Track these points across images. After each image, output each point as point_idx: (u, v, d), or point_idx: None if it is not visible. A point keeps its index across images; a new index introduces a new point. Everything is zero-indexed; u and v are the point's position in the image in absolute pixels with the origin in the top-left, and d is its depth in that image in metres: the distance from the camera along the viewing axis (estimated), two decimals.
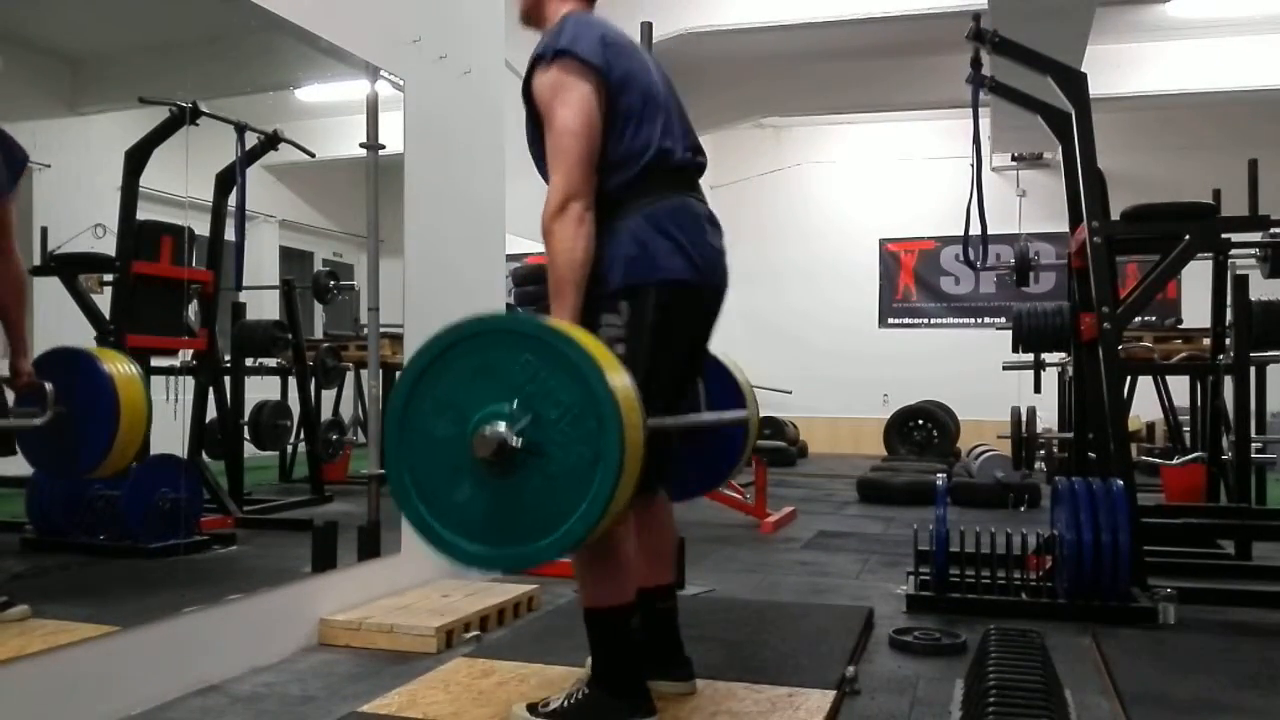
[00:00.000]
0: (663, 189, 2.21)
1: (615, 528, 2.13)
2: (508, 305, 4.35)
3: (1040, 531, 3.86)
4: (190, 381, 4.22)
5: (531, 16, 2.39)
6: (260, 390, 5.36)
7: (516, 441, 1.77)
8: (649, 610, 2.40)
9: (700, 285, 2.23)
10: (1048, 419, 8.43)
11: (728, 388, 2.77)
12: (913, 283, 12.30)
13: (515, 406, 1.78)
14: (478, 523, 1.84)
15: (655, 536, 2.42)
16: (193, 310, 4.24)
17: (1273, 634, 3.35)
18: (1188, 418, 7.03)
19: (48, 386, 2.81)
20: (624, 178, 2.17)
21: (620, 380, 1.82)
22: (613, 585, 2.16)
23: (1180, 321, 8.27)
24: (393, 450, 1.89)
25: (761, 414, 10.31)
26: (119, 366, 2.98)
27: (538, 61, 2.17)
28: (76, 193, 3.92)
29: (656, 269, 2.14)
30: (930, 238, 11.99)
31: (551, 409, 1.78)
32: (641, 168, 2.18)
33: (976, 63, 4.06)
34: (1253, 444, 5.02)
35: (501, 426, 1.77)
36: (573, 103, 2.11)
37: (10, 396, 2.87)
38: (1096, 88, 3.98)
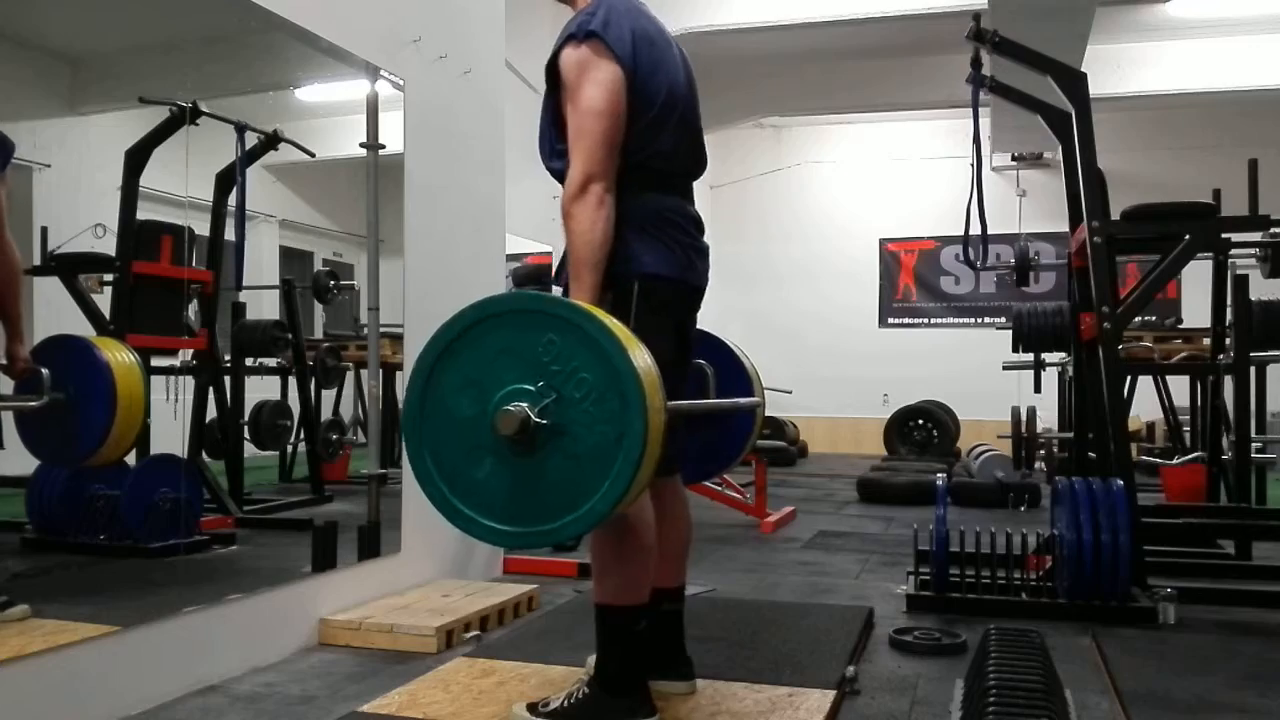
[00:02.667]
0: (657, 188, 2.23)
1: (642, 529, 2.13)
2: None
3: (1040, 531, 3.87)
4: (190, 381, 4.22)
5: None
6: (260, 390, 5.35)
7: (540, 419, 1.77)
8: (655, 611, 2.40)
9: (679, 281, 2.26)
10: (1048, 419, 8.43)
11: (737, 374, 2.80)
12: (913, 282, 12.30)
13: (539, 385, 1.79)
14: (500, 501, 1.84)
15: (671, 538, 2.41)
16: (193, 310, 4.24)
17: (1273, 634, 3.35)
18: (1188, 417, 7.04)
19: (44, 372, 2.82)
20: (623, 170, 2.17)
21: (643, 359, 1.82)
22: (630, 584, 2.16)
23: (1180, 321, 8.27)
24: (412, 429, 1.89)
25: None
26: (116, 354, 2.98)
27: (568, 40, 2.16)
28: (76, 193, 3.92)
29: (640, 264, 2.16)
30: (930, 237, 11.99)
31: (575, 388, 1.78)
32: (640, 164, 2.19)
33: (976, 62, 4.06)
34: (1253, 444, 5.02)
35: (525, 405, 1.77)
36: (601, 82, 2.11)
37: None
38: (1096, 88, 3.98)
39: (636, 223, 2.17)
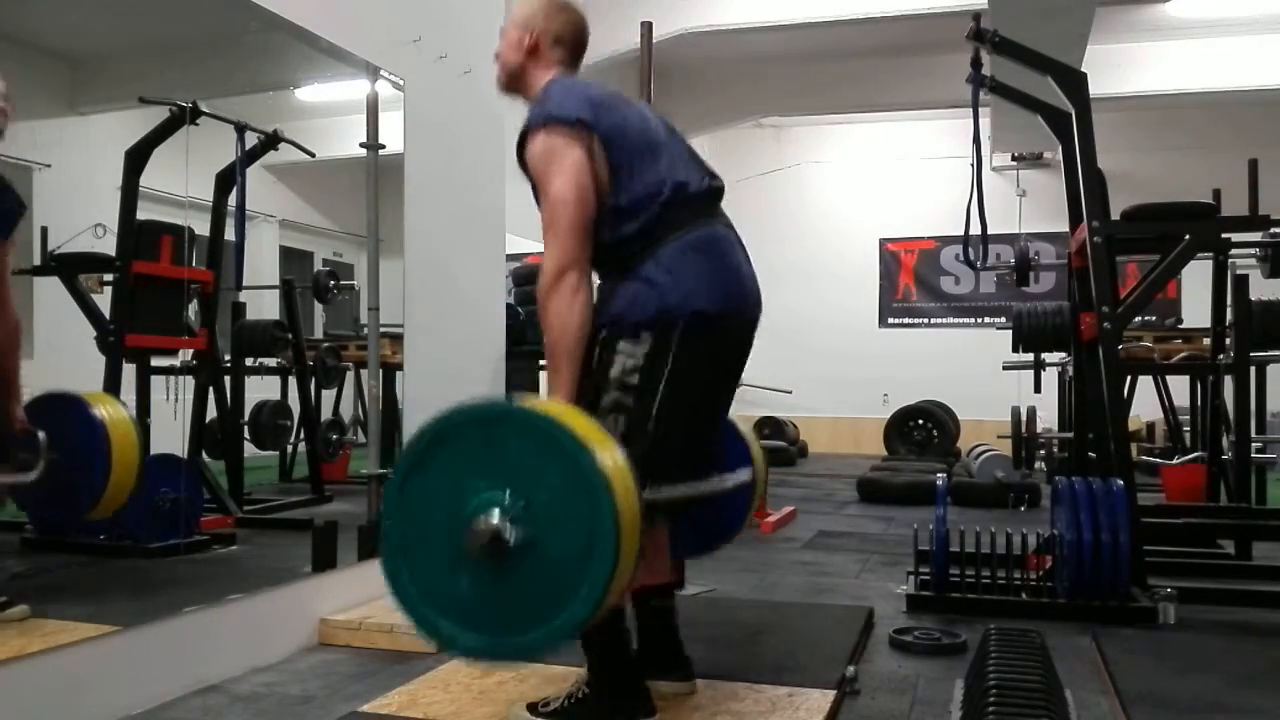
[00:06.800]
0: (687, 221, 2.19)
1: None
2: (508, 305, 4.34)
3: (1040, 531, 3.86)
4: (190, 381, 4.22)
5: (513, 86, 2.39)
6: (260, 390, 5.36)
7: (510, 531, 1.74)
8: (645, 609, 2.39)
9: (730, 315, 2.21)
10: (1048, 419, 8.43)
11: (732, 443, 2.69)
12: (913, 282, 12.30)
13: (508, 494, 1.77)
14: (477, 613, 1.81)
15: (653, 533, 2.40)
16: (193, 310, 4.24)
17: (1273, 633, 3.35)
18: (1188, 417, 7.04)
19: (40, 435, 2.79)
20: (645, 219, 2.15)
21: (612, 457, 1.80)
22: None
23: (1180, 321, 8.28)
24: (389, 545, 1.87)
25: (761, 414, 10.25)
26: (109, 410, 2.98)
27: (527, 132, 2.18)
28: (76, 192, 3.92)
29: (685, 301, 2.12)
30: (930, 237, 11.99)
31: (543, 493, 1.76)
32: (661, 205, 2.16)
33: (976, 62, 4.06)
34: (1253, 444, 5.02)
35: (495, 516, 1.75)
36: (564, 170, 2.10)
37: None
38: (1096, 87, 3.98)
39: (679, 256, 2.13)
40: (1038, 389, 7.69)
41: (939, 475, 5.30)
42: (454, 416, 1.87)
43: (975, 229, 4.13)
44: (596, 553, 1.73)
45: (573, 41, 2.37)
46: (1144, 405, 7.78)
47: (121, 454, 2.93)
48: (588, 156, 2.12)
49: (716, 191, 2.33)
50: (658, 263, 2.13)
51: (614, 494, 1.74)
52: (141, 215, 3.76)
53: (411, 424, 3.60)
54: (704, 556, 2.83)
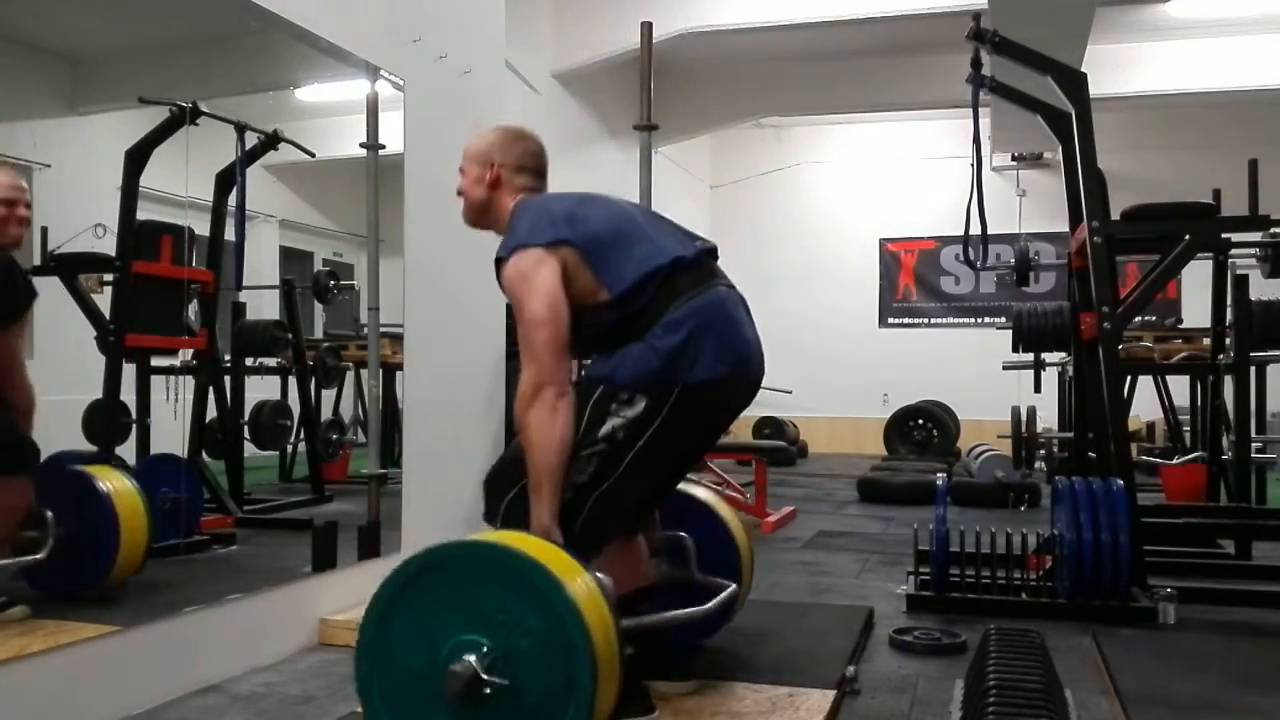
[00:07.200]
0: (688, 287, 2.21)
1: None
2: (508, 305, 4.34)
3: (1040, 531, 3.87)
4: (190, 381, 4.22)
5: (481, 220, 2.44)
6: (260, 390, 5.36)
7: (487, 677, 1.73)
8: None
9: (731, 380, 2.22)
10: (1048, 419, 8.44)
11: (724, 554, 2.70)
12: (913, 282, 12.30)
13: (485, 637, 1.75)
14: None
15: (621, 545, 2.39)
16: (193, 310, 4.24)
17: (1273, 634, 3.35)
18: (1188, 417, 7.04)
19: (49, 515, 2.79)
20: (646, 298, 2.17)
21: (582, 585, 1.79)
22: None
23: (1180, 321, 8.28)
24: (365, 680, 1.86)
25: (762, 414, 10.22)
26: (115, 483, 2.99)
27: (499, 263, 2.21)
28: (76, 192, 3.92)
29: (684, 371, 2.13)
30: (930, 237, 11.99)
31: (521, 638, 1.75)
32: (661, 281, 2.18)
33: (976, 62, 4.06)
34: (1253, 444, 5.03)
35: (472, 659, 1.74)
36: (535, 292, 2.13)
37: None
38: (1096, 87, 3.98)
39: (679, 327, 2.14)
40: (1038, 389, 7.70)
41: (939, 475, 5.31)
42: (433, 555, 1.85)
43: (975, 229, 4.13)
44: (574, 699, 1.72)
45: (534, 168, 2.41)
46: (1144, 405, 7.79)
47: (130, 530, 2.94)
48: (561, 270, 2.16)
49: (711, 253, 2.35)
50: (664, 328, 2.15)
51: (590, 635, 1.72)
52: (141, 215, 3.76)
53: (412, 424, 3.62)
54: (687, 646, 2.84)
